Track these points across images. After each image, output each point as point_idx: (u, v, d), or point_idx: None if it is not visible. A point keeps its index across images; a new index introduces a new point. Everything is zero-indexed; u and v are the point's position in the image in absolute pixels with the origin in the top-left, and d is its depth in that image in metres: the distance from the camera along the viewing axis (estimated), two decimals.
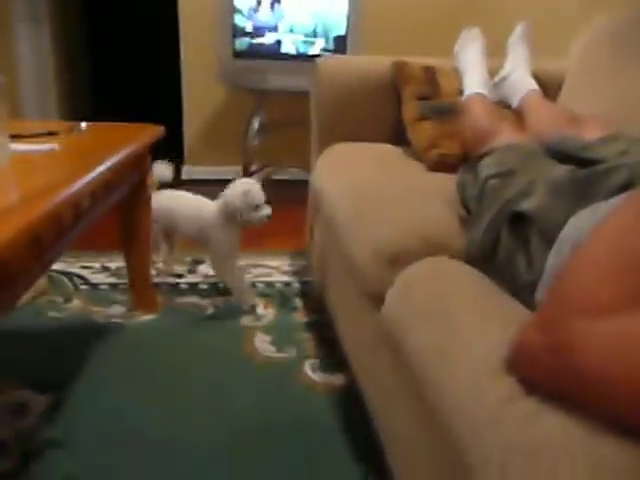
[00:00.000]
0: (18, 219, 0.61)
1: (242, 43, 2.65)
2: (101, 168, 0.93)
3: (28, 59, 3.16)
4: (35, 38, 3.23)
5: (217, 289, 1.80)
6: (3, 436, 1.11)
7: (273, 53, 2.68)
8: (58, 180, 0.81)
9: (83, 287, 1.78)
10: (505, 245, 0.84)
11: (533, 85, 1.53)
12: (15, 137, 1.06)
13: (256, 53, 2.68)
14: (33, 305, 1.62)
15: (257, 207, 1.59)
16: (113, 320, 1.58)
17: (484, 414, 0.57)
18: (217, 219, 1.62)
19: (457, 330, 0.70)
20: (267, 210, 1.61)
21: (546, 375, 0.53)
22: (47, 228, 0.72)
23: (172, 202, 1.70)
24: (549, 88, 1.59)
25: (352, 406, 1.21)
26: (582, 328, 0.49)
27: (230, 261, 1.69)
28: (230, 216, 1.60)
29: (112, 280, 1.83)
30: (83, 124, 1.34)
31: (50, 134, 1.24)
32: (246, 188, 1.58)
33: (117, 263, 1.88)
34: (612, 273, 0.51)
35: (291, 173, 2.97)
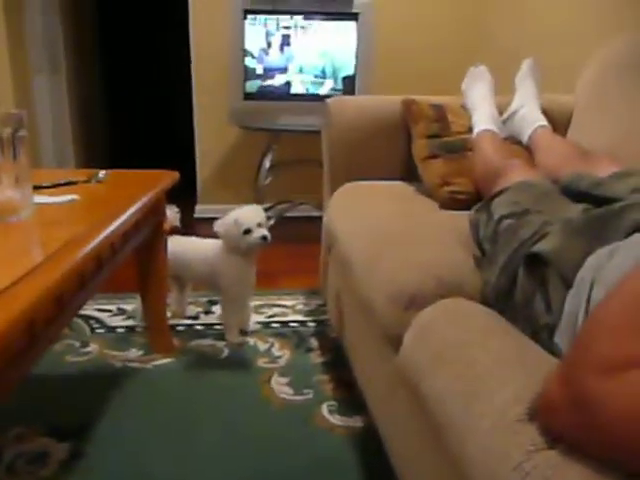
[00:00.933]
0: (44, 279, 0.63)
1: (252, 85, 2.71)
2: (121, 219, 0.95)
3: (46, 108, 3.25)
4: (52, 88, 3.33)
5: None
6: None
7: (283, 94, 2.74)
8: (80, 233, 0.83)
9: (99, 330, 1.79)
10: (522, 287, 0.84)
11: (542, 120, 1.55)
12: (36, 188, 1.08)
13: (266, 94, 2.74)
14: (51, 349, 1.63)
15: (249, 231, 1.57)
16: (130, 364, 1.58)
17: (507, 466, 0.56)
18: (222, 255, 1.64)
19: (477, 377, 0.69)
20: (260, 232, 1.57)
21: (568, 427, 0.54)
22: (70, 284, 0.73)
23: (181, 247, 1.71)
24: (559, 123, 1.61)
25: (371, 449, 1.20)
26: (599, 385, 0.50)
27: (240, 300, 1.69)
28: (230, 247, 1.61)
29: (128, 323, 1.84)
30: (102, 172, 1.37)
31: (69, 184, 1.27)
32: (235, 215, 1.58)
33: (132, 305, 1.89)
34: (628, 333, 0.52)
35: (303, 210, 3.00)
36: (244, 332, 1.77)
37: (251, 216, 1.59)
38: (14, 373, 0.66)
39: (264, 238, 1.57)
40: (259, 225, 1.58)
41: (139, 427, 1.31)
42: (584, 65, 1.70)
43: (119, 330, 1.79)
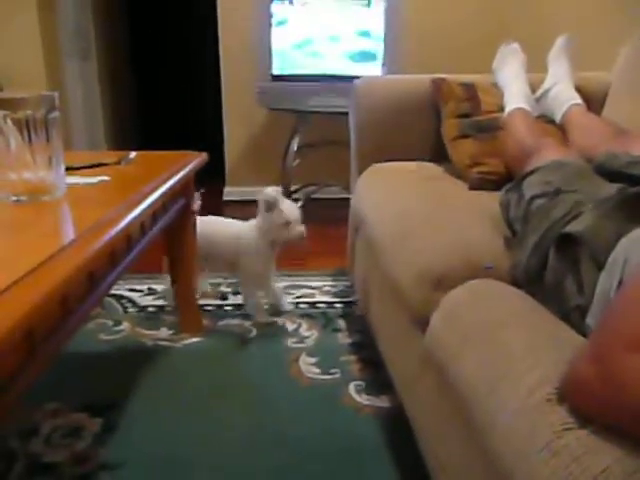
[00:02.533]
0: (76, 256, 0.64)
1: (280, 66, 2.70)
2: (151, 199, 0.96)
3: (77, 93, 3.31)
4: (84, 73, 3.38)
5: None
6: (59, 459, 1.14)
7: (310, 75, 2.72)
8: (111, 213, 0.84)
9: (131, 310, 1.83)
10: (554, 267, 0.83)
11: (576, 98, 1.50)
12: (68, 169, 1.10)
13: (294, 75, 2.72)
14: (85, 328, 1.67)
15: (289, 223, 1.61)
16: (160, 343, 1.61)
17: (536, 445, 0.56)
18: (251, 234, 1.67)
19: (506, 358, 0.69)
20: (301, 228, 1.62)
21: (597, 407, 0.53)
22: (102, 262, 0.75)
23: (207, 227, 1.72)
24: (593, 101, 1.56)
25: (398, 429, 1.20)
26: (631, 361, 0.49)
27: (260, 281, 1.72)
28: (265, 233, 1.64)
29: (159, 302, 1.87)
30: (132, 154, 1.38)
31: (100, 165, 1.29)
32: (282, 205, 1.62)
33: (162, 286, 1.92)
34: None
35: (331, 192, 2.99)
36: (279, 312, 1.80)
37: (294, 210, 1.64)
38: (50, 347, 0.68)
39: (302, 235, 1.63)
40: (298, 221, 1.63)
41: (168, 404, 1.34)
42: (621, 44, 1.64)
43: (150, 309, 1.83)
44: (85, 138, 3.37)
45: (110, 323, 1.72)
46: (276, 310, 1.80)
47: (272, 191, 1.62)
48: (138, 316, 1.78)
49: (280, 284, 1.96)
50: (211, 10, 3.04)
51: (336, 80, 2.66)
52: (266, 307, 1.80)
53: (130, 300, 1.89)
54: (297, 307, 1.84)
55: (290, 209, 1.63)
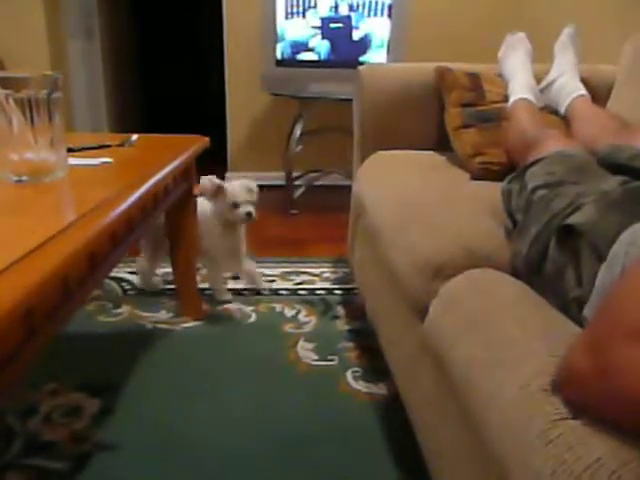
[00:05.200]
0: (77, 237, 0.64)
1: (284, 51, 2.68)
2: (152, 182, 0.96)
3: (80, 74, 3.29)
4: (87, 54, 3.36)
5: (260, 295, 1.83)
6: (58, 437, 1.16)
7: (314, 61, 2.71)
8: (112, 195, 0.84)
9: (131, 292, 1.83)
10: (553, 259, 0.83)
11: (581, 90, 1.49)
12: (70, 151, 1.10)
13: (298, 61, 2.70)
14: (84, 310, 1.68)
15: (237, 205, 1.62)
16: (159, 326, 1.62)
17: (532, 433, 0.56)
18: (208, 218, 1.68)
19: (505, 346, 0.69)
20: (246, 208, 1.63)
21: (591, 398, 0.53)
22: (102, 243, 0.75)
23: None
24: (598, 93, 1.55)
25: (394, 416, 1.21)
26: (628, 352, 0.49)
27: (221, 261, 1.75)
28: (216, 214, 1.66)
29: (160, 286, 1.88)
30: (134, 136, 1.38)
31: (103, 147, 1.29)
32: (227, 187, 1.63)
33: (163, 269, 1.92)
34: None
35: (333, 179, 2.99)
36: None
37: (241, 192, 1.64)
38: (50, 328, 0.68)
39: (248, 214, 1.63)
40: (247, 202, 1.64)
41: (166, 386, 1.35)
42: (627, 35, 1.63)
43: (150, 292, 1.83)
44: (88, 119, 3.36)
45: (109, 305, 1.73)
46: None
47: (207, 181, 1.63)
48: (138, 299, 1.79)
49: (279, 270, 1.96)
50: None
51: (340, 66, 2.64)
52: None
53: (130, 282, 1.90)
54: (296, 293, 1.85)
55: (237, 191, 1.63)
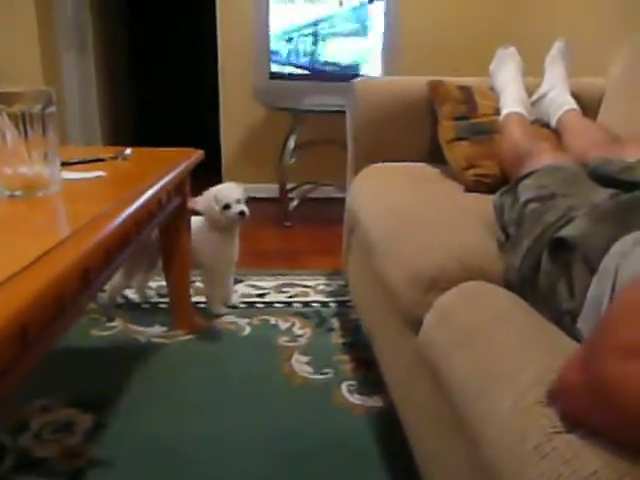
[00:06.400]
0: (71, 252, 0.64)
1: (277, 65, 2.70)
2: (146, 196, 0.96)
3: (74, 87, 3.29)
4: (80, 67, 3.36)
5: (254, 307, 1.82)
6: (50, 454, 1.14)
7: (308, 74, 2.72)
8: (106, 209, 0.84)
9: (124, 306, 1.82)
10: (546, 271, 0.83)
11: (572, 104, 1.51)
12: (64, 164, 1.10)
13: (291, 74, 2.72)
14: (77, 323, 1.66)
15: (228, 207, 1.62)
16: (153, 340, 1.61)
17: (527, 446, 0.56)
18: (203, 231, 1.67)
19: (498, 359, 0.69)
20: (238, 208, 1.62)
21: (586, 411, 0.53)
22: (96, 258, 0.75)
23: None
24: (588, 106, 1.57)
25: (389, 429, 1.21)
26: (618, 369, 0.49)
27: (221, 275, 1.75)
28: (211, 223, 1.66)
29: (153, 299, 1.87)
30: (128, 150, 1.38)
31: (97, 160, 1.29)
32: (214, 191, 1.64)
33: (157, 283, 1.92)
34: None
35: (327, 191, 3.00)
36: (229, 307, 1.83)
37: (230, 192, 1.64)
38: (44, 343, 0.68)
39: (242, 213, 1.63)
40: (238, 201, 1.63)
41: (161, 401, 1.34)
42: (616, 49, 1.65)
43: (144, 306, 1.83)
44: (81, 133, 3.36)
45: (103, 319, 1.72)
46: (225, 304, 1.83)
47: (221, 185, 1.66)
48: (131, 313, 1.78)
49: (274, 282, 1.96)
50: (211, 5, 3.04)
51: (334, 79, 2.66)
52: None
53: (123, 296, 1.89)
54: (291, 306, 1.85)
55: (225, 192, 1.64)
